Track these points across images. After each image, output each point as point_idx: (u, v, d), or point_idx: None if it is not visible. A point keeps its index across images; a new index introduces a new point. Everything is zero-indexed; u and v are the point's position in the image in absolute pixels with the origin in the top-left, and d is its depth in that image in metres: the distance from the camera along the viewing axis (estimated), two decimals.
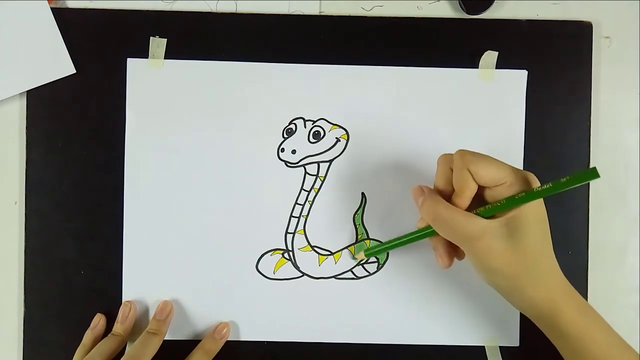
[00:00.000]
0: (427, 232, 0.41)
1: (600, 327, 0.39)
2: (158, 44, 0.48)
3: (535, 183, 0.38)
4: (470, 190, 0.38)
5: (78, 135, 0.48)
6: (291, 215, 0.48)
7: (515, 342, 0.48)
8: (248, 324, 0.48)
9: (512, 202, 0.37)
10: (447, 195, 0.40)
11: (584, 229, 0.48)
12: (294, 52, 0.48)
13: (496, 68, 0.48)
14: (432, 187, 0.42)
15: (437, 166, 0.41)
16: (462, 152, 0.39)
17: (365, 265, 0.48)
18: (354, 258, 0.48)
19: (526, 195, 0.36)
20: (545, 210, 0.39)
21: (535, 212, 0.37)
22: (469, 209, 0.39)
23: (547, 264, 0.39)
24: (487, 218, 0.38)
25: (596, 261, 0.49)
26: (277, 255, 0.48)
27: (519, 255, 0.37)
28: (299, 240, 0.48)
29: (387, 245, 0.45)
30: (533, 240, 0.37)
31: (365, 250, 0.47)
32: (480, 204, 0.39)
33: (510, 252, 0.37)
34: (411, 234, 0.43)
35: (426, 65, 0.48)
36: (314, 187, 0.48)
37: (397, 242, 0.44)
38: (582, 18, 0.49)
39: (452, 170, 0.40)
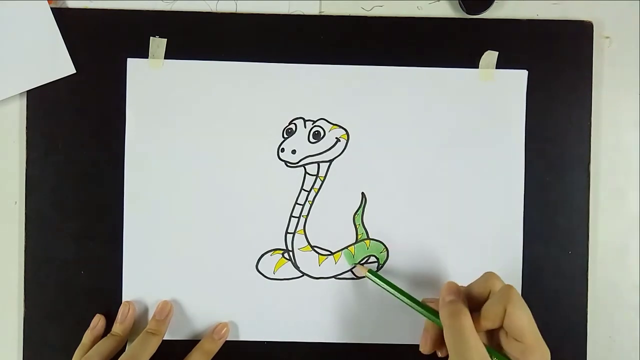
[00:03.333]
0: (433, 318, 0.41)
1: None
2: (158, 44, 0.48)
3: None
4: (490, 325, 0.38)
5: (78, 135, 0.48)
6: (291, 215, 0.48)
7: None
8: (248, 324, 0.48)
9: None
10: (473, 301, 0.40)
11: (584, 229, 0.48)
12: (294, 52, 0.48)
13: (496, 68, 0.48)
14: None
15: (481, 279, 0.41)
16: (510, 288, 0.38)
17: (365, 265, 0.48)
18: (352, 264, 0.48)
19: None
20: None
21: None
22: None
23: None
24: None
25: (596, 261, 0.49)
26: (277, 255, 0.48)
27: None
28: (299, 240, 0.48)
29: (388, 288, 0.45)
30: None
31: (369, 271, 0.46)
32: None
33: None
34: (418, 304, 0.43)
35: (426, 65, 0.48)
36: (314, 187, 0.48)
37: (400, 295, 0.44)
38: (582, 18, 0.49)
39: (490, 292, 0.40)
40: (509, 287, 0.38)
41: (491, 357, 0.37)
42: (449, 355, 0.37)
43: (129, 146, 0.48)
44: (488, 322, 0.38)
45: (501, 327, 0.38)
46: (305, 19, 0.48)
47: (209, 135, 0.48)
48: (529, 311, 0.38)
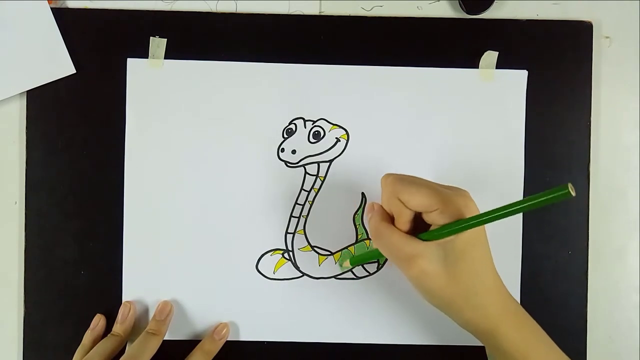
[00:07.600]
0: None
1: (543, 344, 0.39)
2: (158, 44, 0.48)
3: (469, 209, 0.36)
4: (405, 216, 0.38)
5: (78, 135, 0.48)
6: (291, 215, 0.48)
7: None
8: (248, 324, 0.48)
9: (447, 229, 0.36)
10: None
11: (584, 229, 0.48)
12: (294, 52, 0.48)
13: (496, 68, 0.48)
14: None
15: (382, 188, 0.40)
16: (391, 180, 0.38)
17: (365, 265, 0.48)
18: (340, 266, 0.48)
19: (462, 226, 0.35)
20: (485, 233, 0.38)
21: (472, 237, 0.37)
22: (416, 230, 0.38)
23: (485, 287, 0.38)
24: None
25: (596, 261, 0.49)
26: (277, 255, 0.48)
27: (453, 280, 0.36)
28: (299, 240, 0.48)
29: (368, 257, 0.45)
30: (469, 265, 0.37)
31: (351, 259, 0.47)
32: (425, 226, 0.38)
33: (444, 276, 0.36)
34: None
35: (426, 65, 0.48)
36: (314, 187, 0.48)
37: (370, 254, 0.44)
38: (582, 18, 0.49)
39: None
40: (387, 180, 0.38)
41: (420, 237, 0.37)
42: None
43: (129, 146, 0.48)
44: (400, 218, 0.38)
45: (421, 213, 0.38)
46: (305, 19, 0.48)
47: (209, 135, 0.48)
48: (419, 182, 0.37)
